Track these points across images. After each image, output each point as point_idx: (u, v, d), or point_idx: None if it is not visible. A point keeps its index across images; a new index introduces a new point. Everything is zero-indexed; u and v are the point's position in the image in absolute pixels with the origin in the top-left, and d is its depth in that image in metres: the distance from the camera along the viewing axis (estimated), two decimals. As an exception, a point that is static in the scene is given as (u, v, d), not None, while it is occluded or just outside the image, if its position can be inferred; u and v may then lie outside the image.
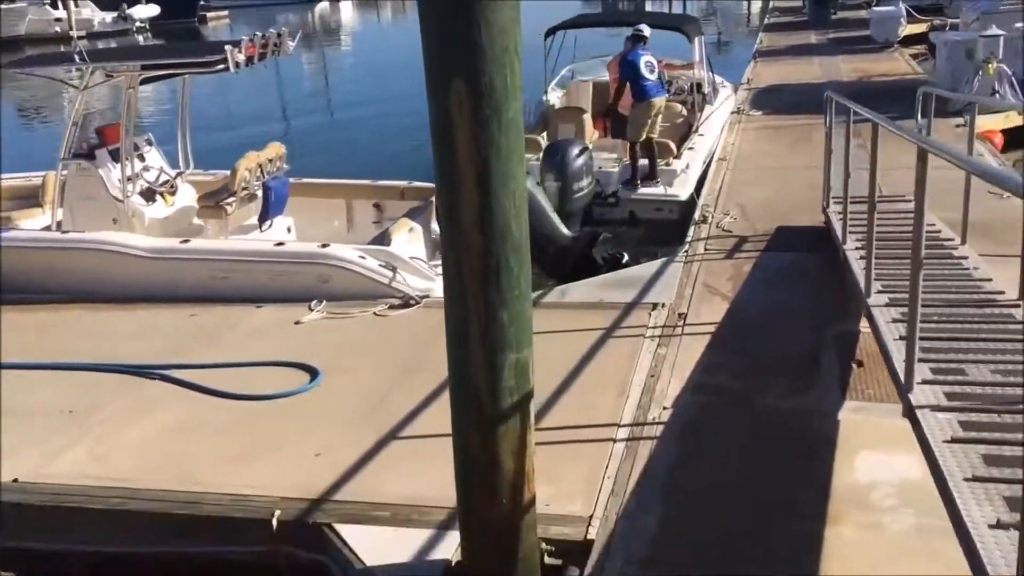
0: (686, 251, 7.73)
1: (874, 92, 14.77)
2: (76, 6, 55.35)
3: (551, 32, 11.65)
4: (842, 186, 6.61)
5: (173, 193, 8.43)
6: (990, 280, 4.99)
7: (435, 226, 8.01)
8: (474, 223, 3.13)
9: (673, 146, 10.42)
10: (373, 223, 9.06)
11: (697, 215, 8.69)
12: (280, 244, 7.43)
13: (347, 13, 68.75)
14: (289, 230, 8.55)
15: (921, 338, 4.02)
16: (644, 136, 9.91)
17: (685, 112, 11.78)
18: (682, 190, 9.99)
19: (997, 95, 12.28)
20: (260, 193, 8.21)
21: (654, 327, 6.23)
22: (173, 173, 8.55)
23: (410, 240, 7.66)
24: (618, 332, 6.20)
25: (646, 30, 10.21)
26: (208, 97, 25.88)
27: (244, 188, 8.02)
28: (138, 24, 55.28)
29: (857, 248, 6.01)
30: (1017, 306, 4.46)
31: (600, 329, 6.20)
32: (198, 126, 9.58)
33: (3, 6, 50.59)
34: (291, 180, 8.99)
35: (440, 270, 7.98)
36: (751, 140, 11.84)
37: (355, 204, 9.26)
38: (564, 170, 9.46)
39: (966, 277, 5.13)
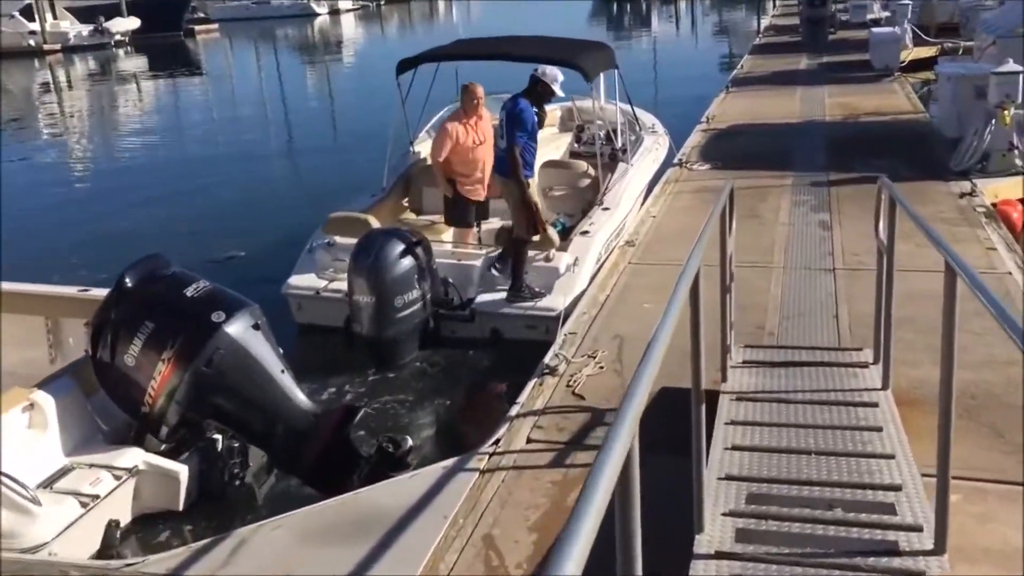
0: (497, 441, 4.66)
1: (857, 136, 11.69)
2: (54, 18, 53.16)
3: (404, 66, 8.62)
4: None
5: None
6: None
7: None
8: None
9: (553, 233, 7.37)
10: (86, 352, 6.06)
11: (547, 359, 5.60)
12: None
13: (348, 27, 66.08)
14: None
15: None
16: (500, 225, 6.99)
17: (593, 172, 8.70)
18: (564, 297, 6.94)
19: (1016, 151, 9.17)
20: None
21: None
22: None
23: (31, 424, 4.64)
24: None
25: (546, 74, 7.06)
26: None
27: None
28: (117, 38, 52.85)
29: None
30: None
31: None
32: None
33: (-33, 19, 47.99)
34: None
35: (66, 483, 4.63)
36: (680, 211, 8.75)
37: (63, 324, 6.29)
38: (378, 277, 6.49)
39: None
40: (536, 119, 7.12)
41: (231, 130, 21.43)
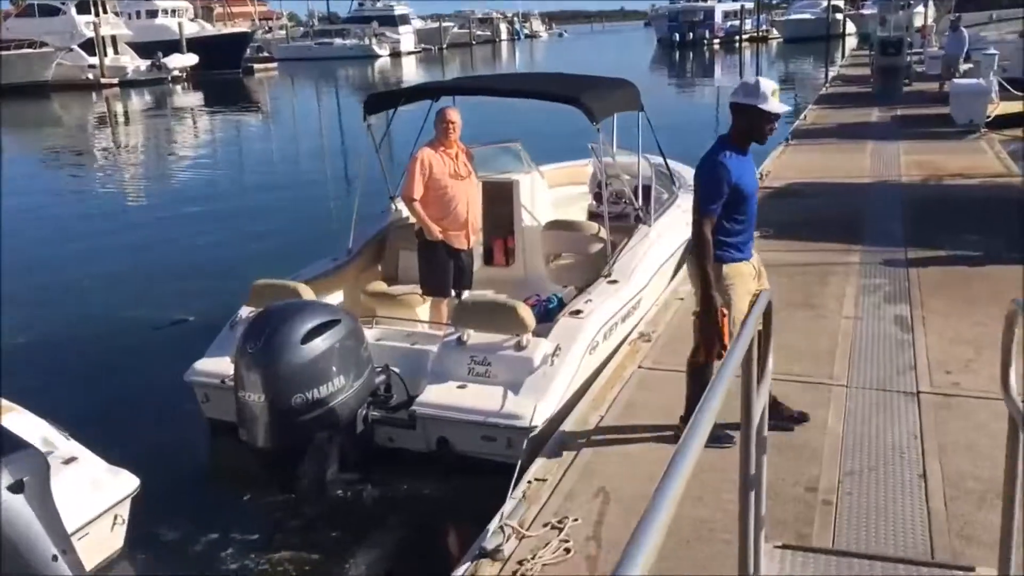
0: None
1: (941, 202, 9.77)
2: (116, 52, 53.55)
3: (374, 105, 6.99)
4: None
5: None
6: None
7: None
8: None
9: (525, 313, 5.56)
10: None
11: (489, 533, 3.80)
12: None
13: (409, 69, 65.67)
14: None
15: None
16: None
17: (608, 237, 6.89)
18: (536, 400, 5.12)
19: None
20: None
21: None
22: None
23: None
24: None
25: (737, 91, 4.38)
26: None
27: None
28: (175, 73, 53.00)
29: None
30: None
31: None
32: None
33: (28, 51, 48.23)
34: None
35: None
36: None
37: None
38: (270, 369, 4.74)
39: None
40: (731, 169, 4.24)
41: (270, 170, 20.03)
